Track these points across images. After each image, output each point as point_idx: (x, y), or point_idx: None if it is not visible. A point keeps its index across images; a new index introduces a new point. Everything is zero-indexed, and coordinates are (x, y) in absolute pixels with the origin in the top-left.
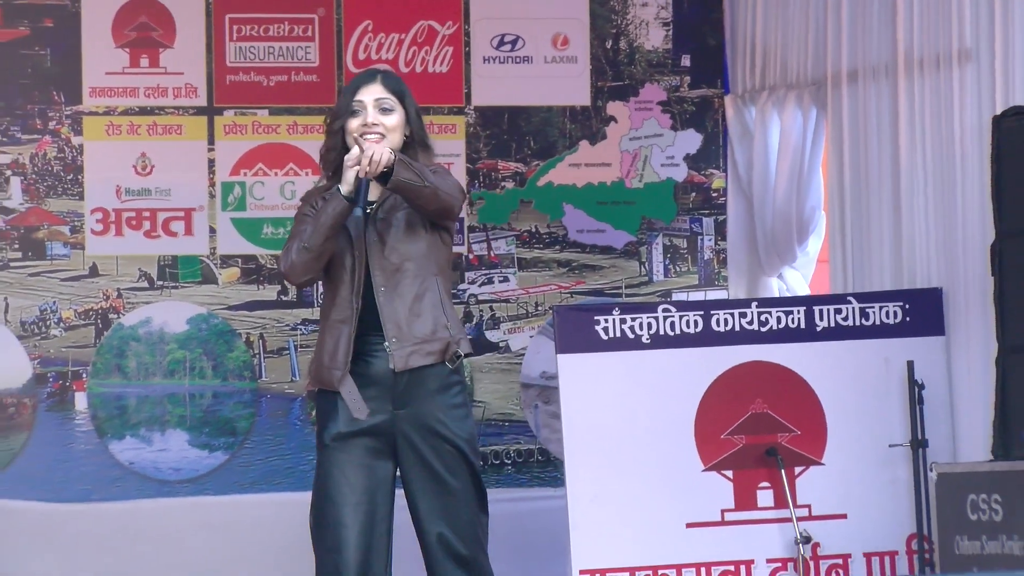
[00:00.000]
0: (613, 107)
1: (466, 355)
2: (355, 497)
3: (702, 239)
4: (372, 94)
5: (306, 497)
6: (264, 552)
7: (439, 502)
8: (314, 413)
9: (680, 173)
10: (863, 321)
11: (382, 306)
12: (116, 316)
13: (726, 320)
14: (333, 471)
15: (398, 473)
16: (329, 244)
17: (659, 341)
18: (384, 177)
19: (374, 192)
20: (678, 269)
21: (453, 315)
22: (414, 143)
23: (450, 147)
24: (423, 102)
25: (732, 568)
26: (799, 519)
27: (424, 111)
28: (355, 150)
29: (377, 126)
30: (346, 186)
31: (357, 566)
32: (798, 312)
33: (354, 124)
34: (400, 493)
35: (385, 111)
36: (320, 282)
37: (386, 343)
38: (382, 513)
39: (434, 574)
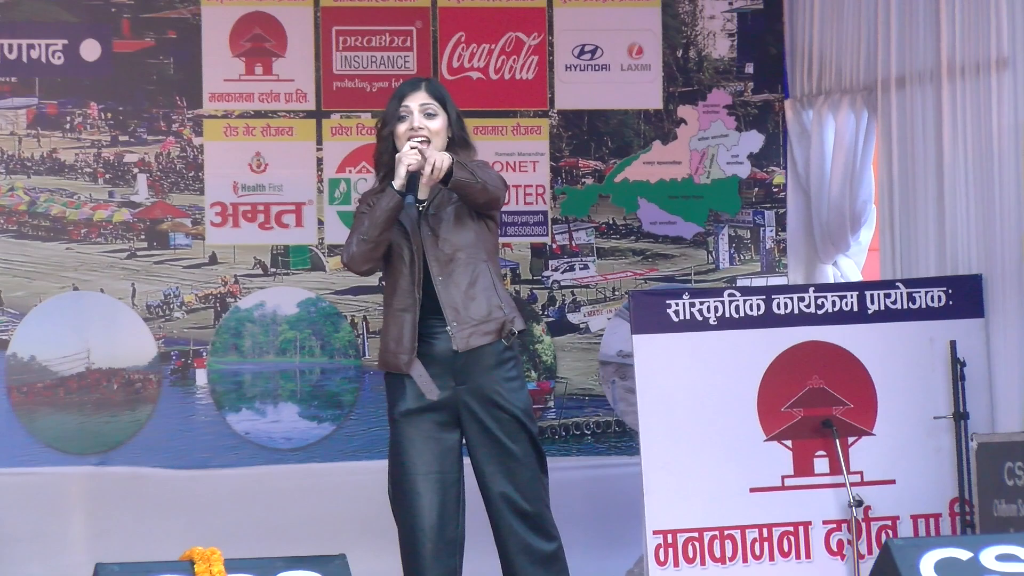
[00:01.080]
0: (683, 110)
1: (519, 332)
2: (425, 467)
3: (764, 230)
4: (417, 100)
5: None
6: (365, 514)
7: (502, 465)
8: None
9: (744, 170)
10: (910, 304)
11: (440, 293)
12: (233, 300)
13: (786, 304)
14: (405, 444)
15: (463, 441)
16: (385, 235)
17: (725, 323)
18: (444, 178)
19: (424, 191)
20: (742, 257)
21: (505, 295)
22: (455, 143)
23: (535, 147)
24: (511, 106)
25: (791, 529)
26: (852, 484)
27: (511, 114)
28: (405, 149)
29: (422, 129)
30: (398, 181)
31: (431, 529)
32: (851, 296)
33: (402, 128)
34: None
35: (430, 116)
36: (382, 272)
37: (447, 327)
38: (451, 479)
39: (500, 530)
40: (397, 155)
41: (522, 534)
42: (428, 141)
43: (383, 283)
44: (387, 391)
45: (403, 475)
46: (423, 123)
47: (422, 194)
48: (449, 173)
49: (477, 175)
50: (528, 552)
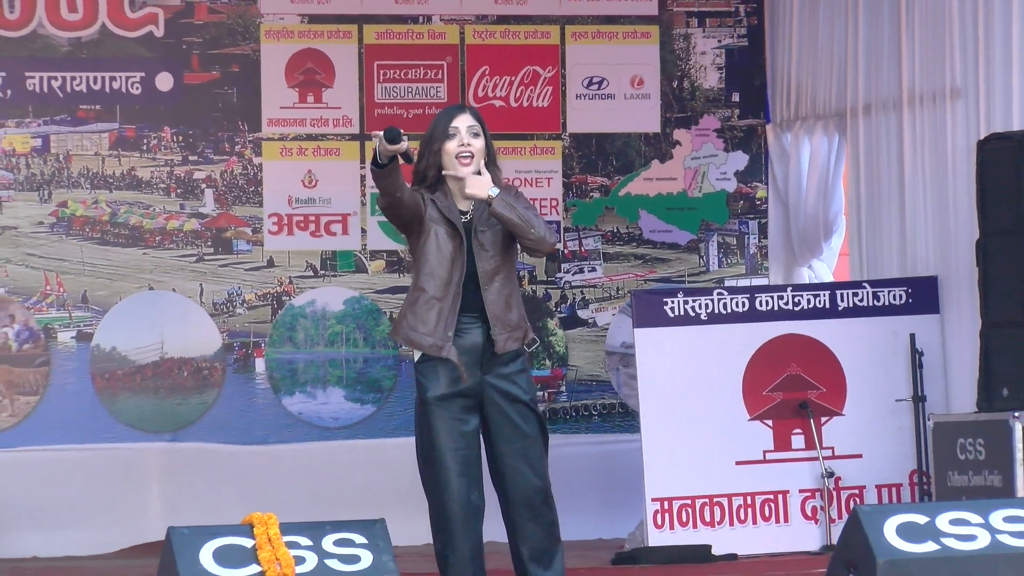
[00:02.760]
0: (678, 133)
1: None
2: (453, 444)
3: (748, 238)
4: (464, 122)
5: None
6: (402, 483)
7: (518, 444)
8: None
9: (731, 186)
10: (875, 302)
11: (486, 300)
12: (288, 298)
13: (767, 301)
14: (436, 425)
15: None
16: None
17: (714, 318)
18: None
19: (465, 204)
20: (729, 261)
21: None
22: (489, 162)
23: (550, 165)
24: (529, 130)
25: (772, 497)
26: (824, 458)
27: (529, 137)
28: (466, 175)
29: (470, 146)
30: (469, 188)
31: (461, 500)
32: (824, 295)
33: (451, 145)
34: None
35: (475, 136)
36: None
37: (491, 330)
38: (474, 456)
39: (513, 500)
40: (456, 173)
41: (534, 504)
42: (473, 158)
43: (410, 262)
44: (419, 376)
45: (434, 452)
46: (470, 141)
47: (463, 206)
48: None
49: (520, 213)
50: (537, 519)
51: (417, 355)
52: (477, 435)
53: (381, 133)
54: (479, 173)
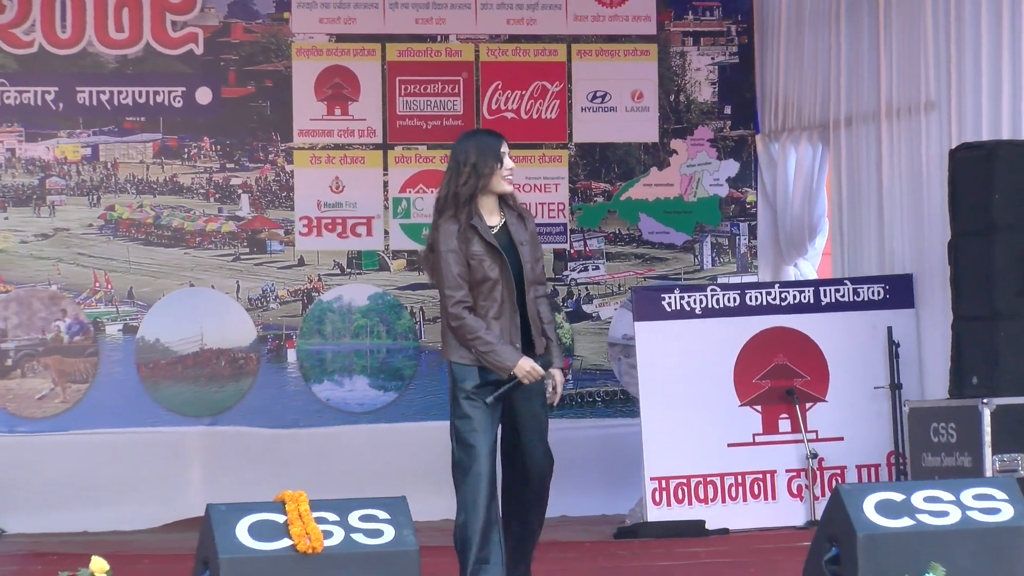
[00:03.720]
0: (675, 143)
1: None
2: (482, 427)
3: (739, 238)
4: (506, 149)
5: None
6: (421, 464)
7: (534, 423)
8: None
9: (723, 191)
10: (855, 297)
11: (529, 308)
12: (317, 294)
13: (756, 297)
14: (470, 411)
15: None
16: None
17: (708, 312)
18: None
19: (493, 220)
20: (722, 260)
21: None
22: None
23: (557, 172)
24: (538, 140)
25: (761, 476)
26: (809, 441)
27: (538, 146)
28: (528, 369)
29: (512, 169)
30: (504, 375)
31: (487, 468)
32: (808, 291)
33: (504, 169)
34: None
35: (513, 160)
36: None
37: (531, 333)
38: (495, 438)
39: (529, 463)
40: (519, 365)
41: (546, 472)
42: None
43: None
44: (456, 371)
45: (470, 433)
46: (511, 164)
47: (492, 220)
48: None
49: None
50: (544, 482)
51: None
52: (498, 420)
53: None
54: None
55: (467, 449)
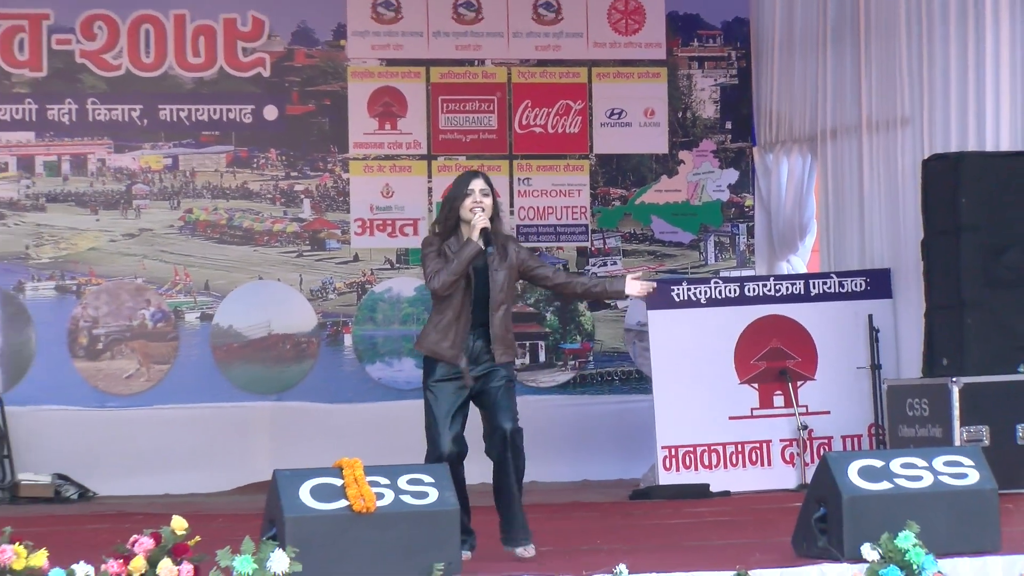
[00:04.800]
0: (682, 154)
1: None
2: (444, 411)
3: (738, 238)
4: (478, 185)
5: None
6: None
7: (506, 403)
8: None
9: (725, 196)
10: (840, 289)
11: (492, 323)
12: (369, 286)
13: (754, 288)
14: (436, 398)
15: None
16: (465, 272)
17: (711, 302)
18: (485, 238)
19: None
20: (723, 256)
21: None
22: (495, 215)
23: (579, 180)
24: (562, 151)
25: (758, 445)
26: (800, 414)
27: (563, 157)
28: (475, 218)
29: (481, 203)
30: (475, 235)
31: (450, 450)
32: (799, 283)
33: (468, 201)
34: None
35: (484, 195)
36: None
37: (492, 345)
38: (461, 420)
39: (494, 435)
40: (471, 221)
41: (508, 428)
42: (484, 210)
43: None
44: (424, 367)
45: (432, 418)
46: (481, 199)
47: (476, 236)
48: (486, 239)
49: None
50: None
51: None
52: (466, 404)
53: (480, 242)
54: (490, 222)
55: (430, 427)
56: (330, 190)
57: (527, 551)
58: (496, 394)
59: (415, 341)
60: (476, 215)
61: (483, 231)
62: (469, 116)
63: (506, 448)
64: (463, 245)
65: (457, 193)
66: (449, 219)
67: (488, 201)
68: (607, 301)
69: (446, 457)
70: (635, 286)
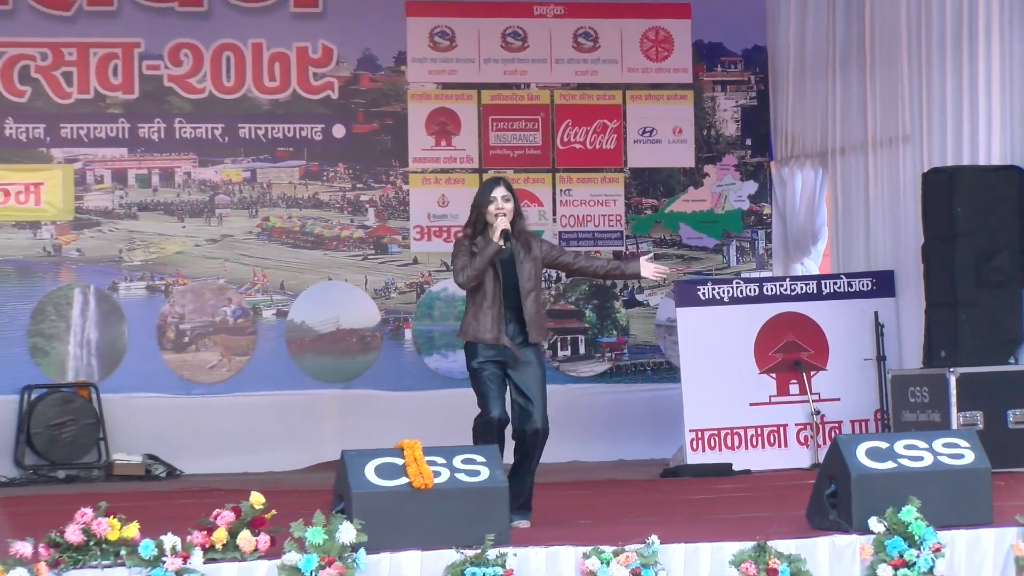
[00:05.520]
0: (707, 168)
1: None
2: (490, 384)
3: (757, 243)
4: (499, 192)
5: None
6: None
7: (541, 400)
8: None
9: (745, 205)
10: (849, 288)
11: (525, 306)
12: (427, 286)
13: (771, 288)
14: (482, 373)
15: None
16: (486, 269)
17: (733, 300)
18: (505, 237)
19: (502, 244)
20: (744, 260)
21: None
22: (518, 217)
23: (615, 191)
24: (600, 165)
25: (775, 429)
26: (813, 401)
27: (600, 171)
28: (498, 222)
29: (503, 208)
30: (496, 236)
31: (499, 408)
32: (812, 283)
33: (491, 207)
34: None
35: (506, 200)
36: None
37: (527, 327)
38: (503, 391)
39: (531, 420)
40: (493, 224)
41: (540, 428)
42: (505, 215)
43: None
44: (467, 352)
45: (483, 390)
46: (503, 204)
47: (496, 237)
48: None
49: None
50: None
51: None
52: (505, 383)
53: (501, 242)
54: (512, 224)
55: (481, 400)
56: (392, 200)
57: (524, 524)
58: (532, 385)
59: (458, 332)
60: (498, 219)
61: (503, 232)
62: (516, 134)
63: (536, 443)
64: (485, 245)
65: (482, 199)
66: (477, 222)
67: (509, 206)
68: (638, 299)
69: (496, 421)
70: (649, 268)
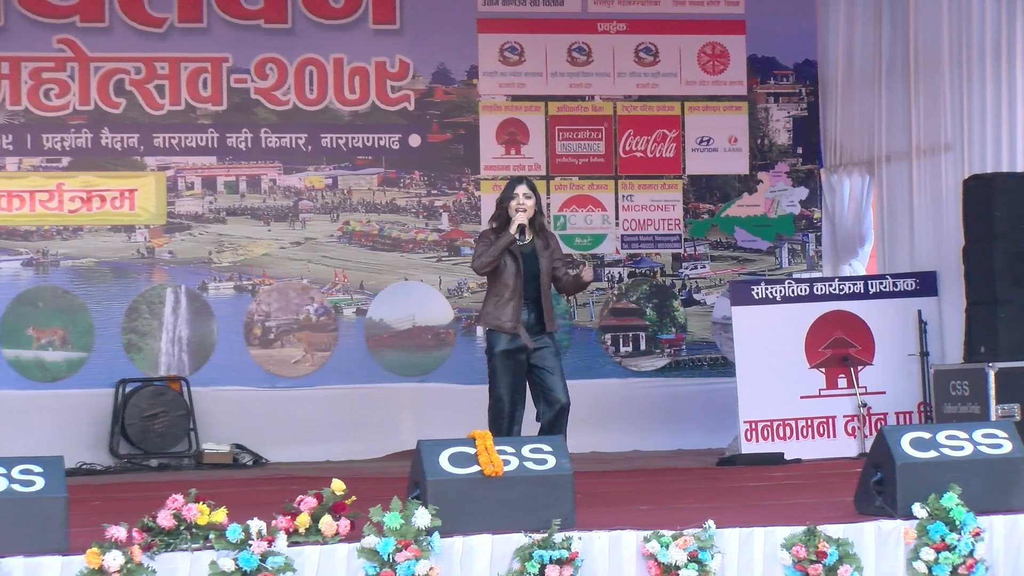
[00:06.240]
0: (761, 175)
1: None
2: (508, 380)
3: (808, 245)
4: (521, 190)
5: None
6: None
7: (562, 379)
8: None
9: (796, 210)
10: (894, 288)
11: (542, 299)
12: None
13: (821, 288)
14: (500, 369)
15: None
16: (500, 257)
17: (786, 299)
18: (521, 231)
19: (526, 237)
20: (795, 261)
21: None
22: (539, 213)
23: (674, 196)
24: (660, 173)
25: (824, 420)
26: (860, 394)
27: (660, 177)
28: (517, 216)
29: (524, 204)
30: (513, 229)
31: (509, 413)
32: (859, 283)
33: (513, 203)
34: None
35: (527, 197)
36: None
37: (544, 316)
38: (521, 387)
39: (552, 402)
40: (513, 217)
41: (565, 402)
42: (525, 211)
43: (488, 282)
44: (488, 340)
45: (498, 386)
46: (524, 200)
47: (513, 230)
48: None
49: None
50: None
51: (486, 328)
52: (525, 373)
53: (516, 234)
54: (531, 220)
55: (493, 392)
56: (464, 205)
57: None
58: (553, 369)
59: (478, 318)
60: (517, 213)
61: (519, 226)
62: (581, 143)
63: (563, 418)
64: (501, 235)
65: (506, 195)
66: (500, 217)
67: (529, 203)
68: (696, 298)
69: (507, 405)
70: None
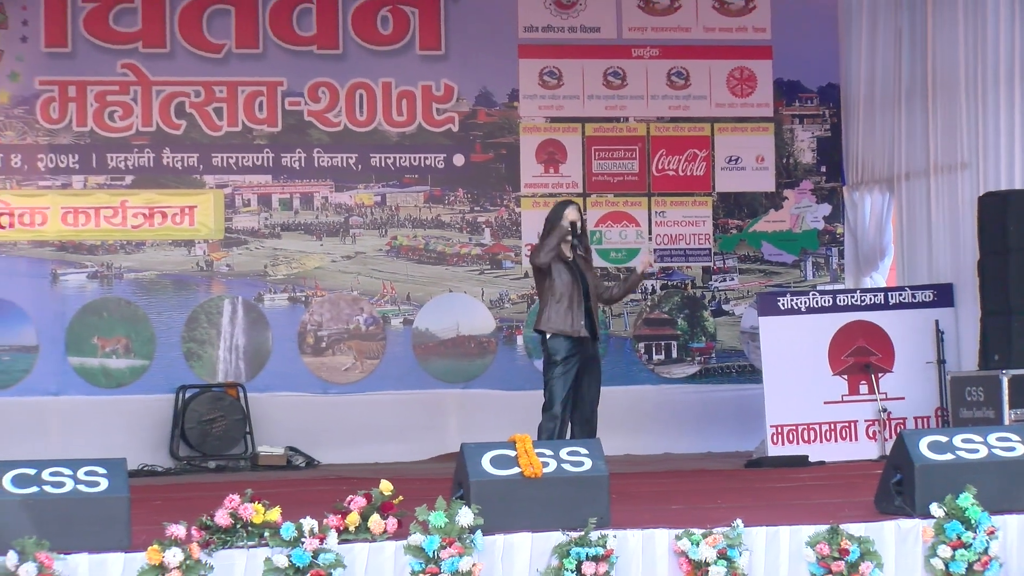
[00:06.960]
0: (787, 192)
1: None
2: (565, 395)
3: (831, 259)
4: (569, 211)
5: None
6: (608, 416)
7: (596, 386)
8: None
9: (820, 225)
10: (913, 299)
11: (593, 308)
12: (536, 298)
13: (844, 299)
14: (560, 379)
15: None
16: (557, 246)
17: (810, 310)
18: (573, 230)
19: (567, 252)
20: (819, 274)
21: None
22: (584, 235)
23: (704, 213)
24: (690, 190)
25: (847, 424)
26: (881, 400)
27: (691, 195)
28: (568, 213)
29: (575, 222)
30: (564, 222)
31: (560, 430)
32: (880, 295)
33: (565, 222)
34: None
35: (577, 212)
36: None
37: (595, 324)
38: (572, 390)
39: (587, 409)
40: (562, 224)
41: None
42: (576, 221)
43: (544, 292)
44: (552, 345)
45: (557, 388)
46: (572, 217)
47: (566, 253)
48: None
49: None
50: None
51: (549, 335)
52: (576, 378)
53: (568, 228)
54: (579, 238)
55: (552, 394)
56: (505, 221)
57: None
58: (595, 381)
59: (537, 323)
60: (568, 218)
61: (571, 223)
62: (616, 162)
63: (587, 427)
64: (554, 229)
65: (557, 214)
66: (555, 229)
67: (579, 220)
68: (725, 309)
69: (560, 421)
70: (644, 260)
